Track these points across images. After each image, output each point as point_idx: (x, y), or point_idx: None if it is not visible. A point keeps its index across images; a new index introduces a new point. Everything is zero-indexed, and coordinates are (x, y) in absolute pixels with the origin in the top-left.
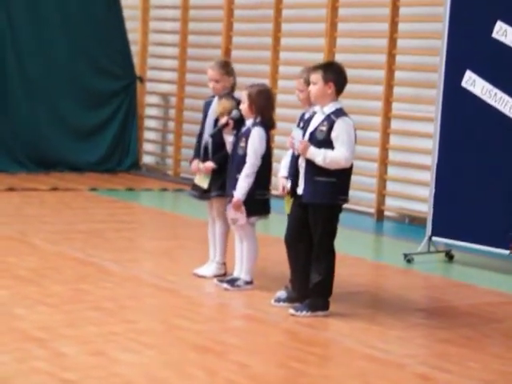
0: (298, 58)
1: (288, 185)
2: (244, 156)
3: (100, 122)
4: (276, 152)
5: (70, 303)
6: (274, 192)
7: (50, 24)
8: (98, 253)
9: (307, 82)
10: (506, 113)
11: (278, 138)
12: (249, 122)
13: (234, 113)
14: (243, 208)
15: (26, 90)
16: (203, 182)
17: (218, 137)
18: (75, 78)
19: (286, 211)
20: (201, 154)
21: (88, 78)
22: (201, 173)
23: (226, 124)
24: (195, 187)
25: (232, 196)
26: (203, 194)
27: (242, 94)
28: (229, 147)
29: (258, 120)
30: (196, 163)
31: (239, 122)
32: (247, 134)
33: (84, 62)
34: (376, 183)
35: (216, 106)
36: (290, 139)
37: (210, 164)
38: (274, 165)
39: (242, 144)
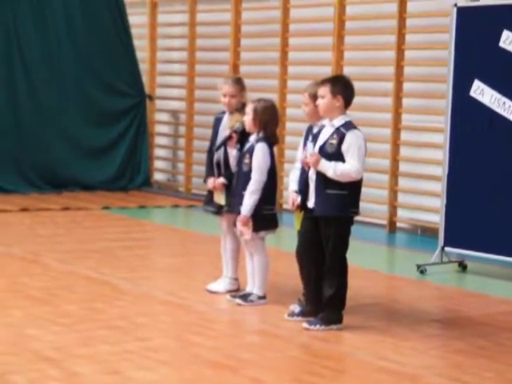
0: (306, 72)
1: (298, 199)
2: (249, 172)
3: (111, 140)
4: (286, 166)
5: (83, 322)
6: (284, 206)
7: (59, 45)
8: (110, 271)
9: (312, 97)
10: None
11: (287, 153)
12: (252, 138)
13: (237, 125)
14: (250, 224)
15: (36, 111)
16: (220, 199)
17: (227, 152)
18: (85, 98)
19: (295, 227)
20: (214, 170)
21: (98, 98)
22: (217, 190)
23: (230, 137)
24: (211, 203)
25: (239, 212)
26: (219, 209)
27: (247, 107)
28: (232, 161)
29: (261, 135)
30: (212, 181)
31: (243, 135)
32: (251, 151)
33: (93, 82)
34: (387, 195)
35: (228, 121)
36: (305, 154)
37: (221, 180)
38: (284, 179)
39: (247, 160)
